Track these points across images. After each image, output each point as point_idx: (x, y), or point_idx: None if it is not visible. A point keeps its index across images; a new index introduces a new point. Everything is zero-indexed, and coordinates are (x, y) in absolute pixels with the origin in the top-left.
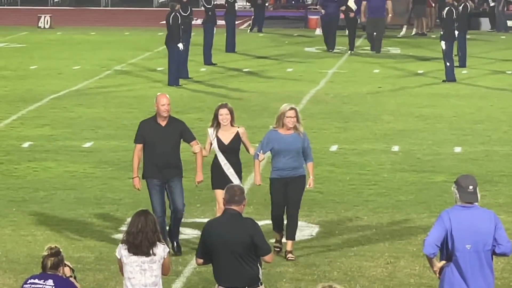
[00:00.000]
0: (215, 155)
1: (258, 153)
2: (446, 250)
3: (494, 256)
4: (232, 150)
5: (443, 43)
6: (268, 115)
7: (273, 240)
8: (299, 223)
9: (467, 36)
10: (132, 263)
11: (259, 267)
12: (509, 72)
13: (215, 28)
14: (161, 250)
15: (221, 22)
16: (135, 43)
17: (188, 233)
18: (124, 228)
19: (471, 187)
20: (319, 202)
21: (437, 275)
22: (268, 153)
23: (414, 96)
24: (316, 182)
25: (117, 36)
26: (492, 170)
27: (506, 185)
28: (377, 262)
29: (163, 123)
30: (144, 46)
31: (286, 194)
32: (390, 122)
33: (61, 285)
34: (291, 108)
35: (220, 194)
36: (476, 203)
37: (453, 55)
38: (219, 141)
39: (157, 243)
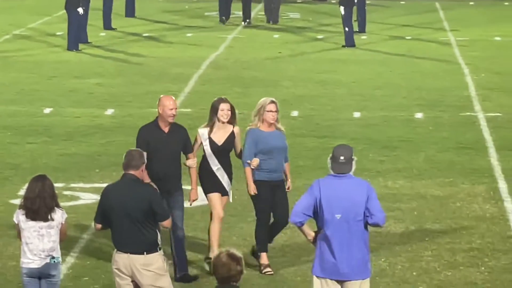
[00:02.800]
0: (204, 158)
1: (247, 161)
2: (318, 219)
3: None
4: (225, 151)
5: (342, 8)
6: (168, 80)
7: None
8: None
9: (367, 1)
10: (30, 228)
11: (158, 232)
12: (408, 37)
13: None
14: (59, 215)
15: None
16: (34, 7)
17: (87, 198)
18: (22, 193)
19: (342, 157)
20: None
21: (313, 243)
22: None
23: (314, 62)
24: None
25: (16, 0)
26: (391, 135)
27: (404, 150)
28: None
29: (165, 129)
30: (44, 11)
31: (274, 200)
32: (290, 87)
33: None
34: (272, 102)
35: (215, 198)
36: (350, 173)
37: (353, 21)
38: (211, 143)
39: (55, 208)
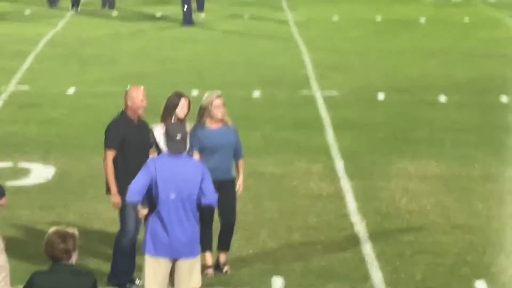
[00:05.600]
0: None
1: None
2: (153, 198)
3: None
4: None
5: None
6: (5, 57)
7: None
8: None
9: None
10: None
11: None
12: (247, 16)
13: None
14: None
15: None
16: None
17: None
18: None
19: (179, 135)
20: (55, 145)
21: (143, 221)
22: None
23: (153, 40)
24: (53, 125)
25: None
26: (228, 113)
27: (241, 128)
28: (108, 205)
29: (136, 123)
30: None
31: (220, 200)
32: (128, 65)
33: None
34: (218, 96)
35: None
36: (185, 153)
37: None
38: None
39: None
